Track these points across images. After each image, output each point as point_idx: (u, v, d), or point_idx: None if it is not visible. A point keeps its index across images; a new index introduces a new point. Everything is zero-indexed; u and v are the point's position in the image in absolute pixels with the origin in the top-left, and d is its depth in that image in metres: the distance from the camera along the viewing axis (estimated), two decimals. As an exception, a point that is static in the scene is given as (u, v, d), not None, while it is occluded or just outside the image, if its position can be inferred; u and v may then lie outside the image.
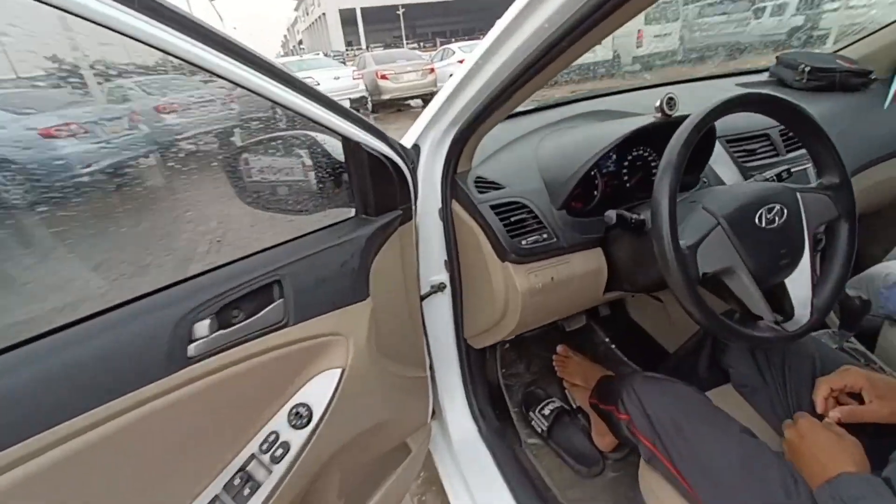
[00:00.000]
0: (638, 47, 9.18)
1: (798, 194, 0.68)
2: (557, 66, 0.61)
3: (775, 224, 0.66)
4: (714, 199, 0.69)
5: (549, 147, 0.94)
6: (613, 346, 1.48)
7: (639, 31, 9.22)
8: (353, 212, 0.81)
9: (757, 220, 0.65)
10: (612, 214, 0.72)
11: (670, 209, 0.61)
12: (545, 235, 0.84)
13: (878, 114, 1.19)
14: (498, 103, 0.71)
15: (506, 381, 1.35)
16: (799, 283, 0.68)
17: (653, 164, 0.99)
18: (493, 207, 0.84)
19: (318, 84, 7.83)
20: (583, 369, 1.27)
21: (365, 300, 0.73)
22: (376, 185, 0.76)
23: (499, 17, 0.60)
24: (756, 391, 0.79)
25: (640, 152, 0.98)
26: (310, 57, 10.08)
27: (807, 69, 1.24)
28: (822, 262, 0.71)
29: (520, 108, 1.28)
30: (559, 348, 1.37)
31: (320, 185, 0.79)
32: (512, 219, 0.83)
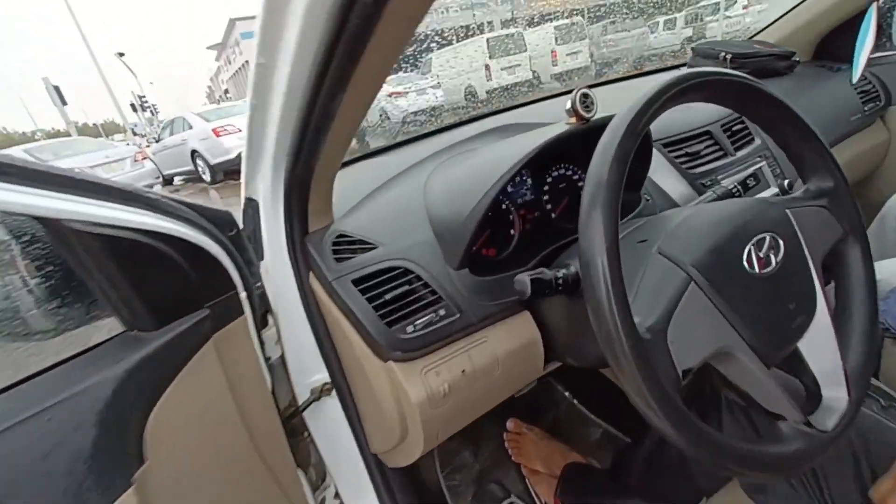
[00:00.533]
0: (554, 66, 9.65)
1: (788, 212, 0.46)
2: (377, 56, 0.35)
3: (772, 265, 0.42)
4: (673, 238, 0.44)
5: (440, 182, 0.68)
6: (576, 401, 1.21)
7: (552, 51, 9.72)
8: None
9: (746, 264, 0.41)
10: (524, 280, 0.45)
11: (611, 269, 0.35)
12: (442, 312, 0.56)
13: (816, 96, 1.05)
14: (322, 123, 0.43)
15: (449, 481, 1.04)
16: (819, 346, 0.44)
17: (580, 183, 0.76)
18: (356, 282, 0.55)
19: (240, 130, 7.24)
20: (541, 450, 0.99)
21: (119, 497, 0.40)
22: (148, 280, 0.46)
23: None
24: (776, 497, 0.54)
25: (562, 171, 0.75)
26: (229, 104, 9.55)
27: (728, 56, 1.10)
28: (836, 305, 0.48)
29: (405, 136, 1.03)
30: (509, 424, 1.08)
31: (50, 289, 0.47)
32: (388, 296, 0.55)
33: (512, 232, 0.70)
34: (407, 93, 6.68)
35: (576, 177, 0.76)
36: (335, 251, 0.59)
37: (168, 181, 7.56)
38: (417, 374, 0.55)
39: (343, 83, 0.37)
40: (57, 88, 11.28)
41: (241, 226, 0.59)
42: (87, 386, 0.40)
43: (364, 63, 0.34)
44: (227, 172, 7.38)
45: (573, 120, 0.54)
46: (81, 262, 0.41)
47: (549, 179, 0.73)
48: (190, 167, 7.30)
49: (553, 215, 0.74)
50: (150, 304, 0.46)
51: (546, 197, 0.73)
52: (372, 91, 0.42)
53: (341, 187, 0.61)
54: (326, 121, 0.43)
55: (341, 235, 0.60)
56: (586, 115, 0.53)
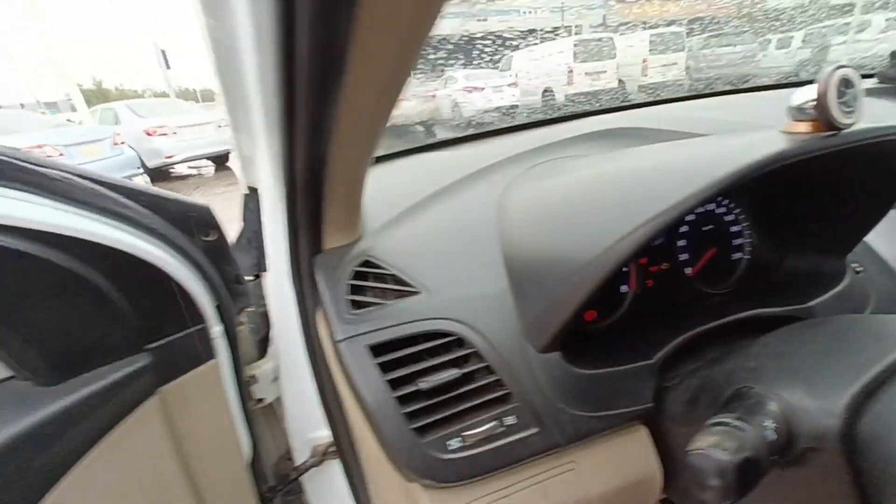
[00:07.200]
0: (644, 76, 8.94)
1: None
2: None
3: None
4: None
5: (526, 203, 0.45)
6: None
7: (644, 59, 8.99)
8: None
9: None
10: (710, 457, 0.22)
11: None
12: (511, 419, 0.34)
13: None
14: (325, 91, 0.23)
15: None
16: None
17: (734, 229, 0.50)
18: (377, 349, 0.35)
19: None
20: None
21: None
22: (41, 312, 0.28)
23: None
24: None
25: (712, 208, 0.50)
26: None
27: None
28: None
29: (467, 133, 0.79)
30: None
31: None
32: (423, 384, 0.34)
33: (624, 289, 0.46)
34: (482, 89, 6.42)
35: (730, 217, 0.50)
36: (354, 287, 0.38)
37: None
38: None
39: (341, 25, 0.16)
40: (163, 52, 12.29)
41: (222, 225, 0.41)
42: None
43: None
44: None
45: (806, 127, 0.29)
46: None
47: (691, 219, 0.48)
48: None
49: (688, 272, 0.49)
50: (45, 349, 0.28)
51: (682, 244, 0.48)
52: (411, 32, 0.20)
53: (375, 189, 0.41)
54: (328, 88, 0.22)
55: (368, 263, 0.40)
56: (843, 122, 0.28)
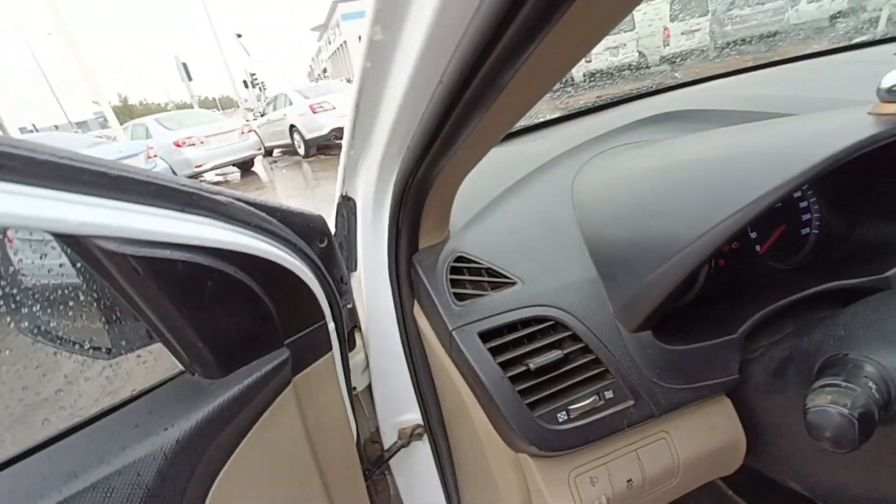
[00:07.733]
0: (665, 46, 8.58)
1: None
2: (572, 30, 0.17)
3: None
4: None
5: (606, 189, 0.48)
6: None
7: (665, 28, 8.63)
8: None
9: None
10: (829, 412, 0.25)
11: None
12: (609, 394, 0.38)
13: None
14: (464, 119, 0.27)
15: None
16: None
17: (802, 204, 0.52)
18: (485, 336, 0.38)
19: (334, 108, 6.15)
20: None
21: None
22: (212, 316, 0.33)
23: None
24: None
25: None
26: (325, 82, 9.21)
27: None
28: None
29: (522, 123, 0.82)
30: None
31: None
32: (532, 364, 0.37)
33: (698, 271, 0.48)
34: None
35: (797, 194, 0.51)
36: (454, 282, 0.42)
37: (269, 153, 8.07)
38: (563, 479, 0.38)
39: (509, 68, 0.20)
40: (185, 65, 12.66)
41: (332, 230, 0.45)
42: (134, 459, 0.28)
43: (550, 42, 0.17)
44: (320, 147, 7.66)
45: (889, 108, 0.31)
46: (122, 291, 0.29)
47: None
48: (288, 140, 7.70)
49: (758, 249, 0.51)
50: (214, 347, 0.34)
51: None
52: (552, 77, 0.24)
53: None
54: (471, 117, 0.26)
55: (462, 258, 0.44)
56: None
